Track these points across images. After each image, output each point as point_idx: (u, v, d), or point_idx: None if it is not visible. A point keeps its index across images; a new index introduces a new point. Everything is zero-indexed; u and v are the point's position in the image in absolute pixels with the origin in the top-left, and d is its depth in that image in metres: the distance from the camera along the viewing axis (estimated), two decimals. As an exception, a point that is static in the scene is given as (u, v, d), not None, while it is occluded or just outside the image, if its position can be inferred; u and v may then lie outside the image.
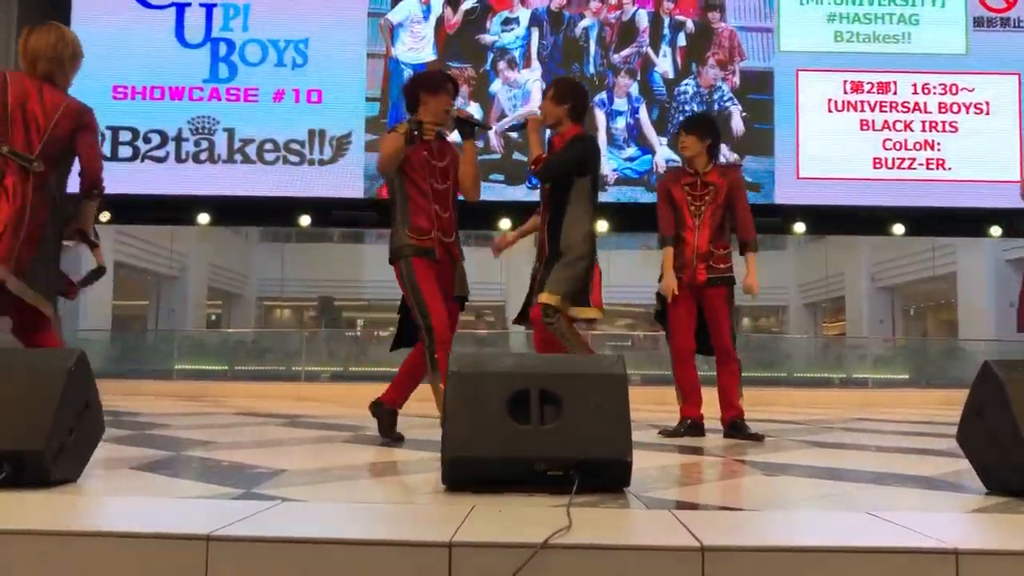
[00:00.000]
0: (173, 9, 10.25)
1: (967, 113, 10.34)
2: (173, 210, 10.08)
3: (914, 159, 10.30)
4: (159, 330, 16.42)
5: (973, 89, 10.34)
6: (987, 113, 10.34)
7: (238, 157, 9.98)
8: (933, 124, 10.34)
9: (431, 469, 2.87)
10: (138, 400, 7.38)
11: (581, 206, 4.26)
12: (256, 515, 2.05)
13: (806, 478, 3.20)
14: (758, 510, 2.42)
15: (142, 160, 9.98)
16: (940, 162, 10.31)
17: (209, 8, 10.27)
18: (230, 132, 10.00)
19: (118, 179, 9.88)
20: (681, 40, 10.42)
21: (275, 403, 5.84)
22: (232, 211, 10.32)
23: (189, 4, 10.26)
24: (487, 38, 10.39)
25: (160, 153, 10.02)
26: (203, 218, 10.16)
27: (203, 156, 10.02)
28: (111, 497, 2.53)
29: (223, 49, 10.21)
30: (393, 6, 10.39)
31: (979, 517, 2.33)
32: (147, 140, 10.00)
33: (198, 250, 17.96)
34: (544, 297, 4.12)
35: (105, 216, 10.11)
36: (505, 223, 10.48)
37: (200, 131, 10.05)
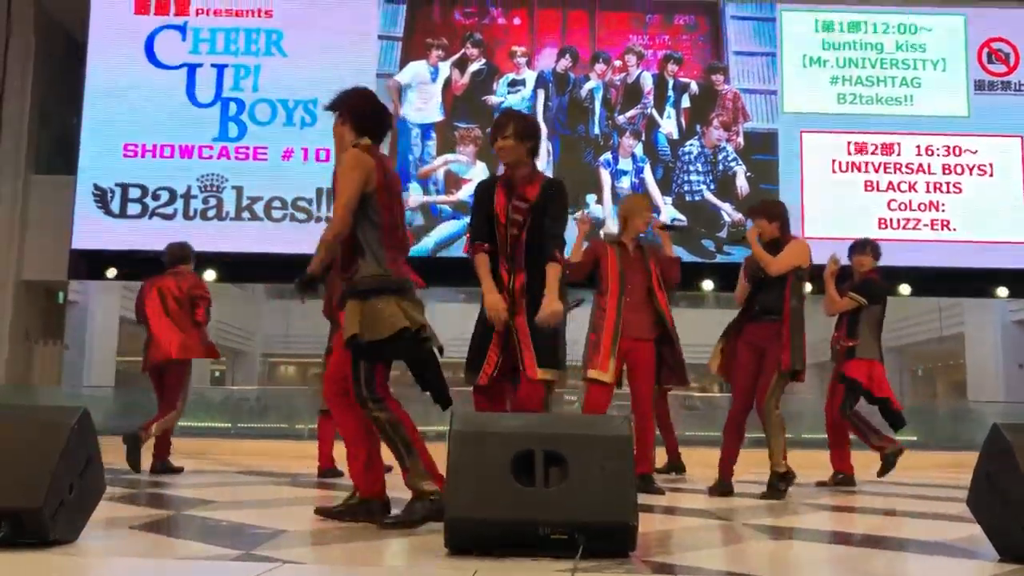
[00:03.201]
0: (185, 69, 10.44)
1: (971, 174, 10.41)
2: (180, 266, 10.11)
3: (919, 219, 10.34)
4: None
5: (976, 151, 10.42)
6: (991, 175, 10.41)
7: (246, 214, 10.06)
8: (937, 185, 10.40)
9: (434, 531, 2.83)
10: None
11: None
12: (255, 578, 2.02)
13: (815, 542, 3.14)
14: (766, 576, 2.37)
15: (151, 217, 10.06)
16: (945, 223, 10.34)
17: (220, 68, 10.45)
18: (238, 190, 10.09)
19: (126, 236, 9.99)
20: (685, 102, 10.56)
21: (277, 461, 5.79)
22: (239, 268, 10.35)
23: (201, 64, 10.45)
24: (494, 99, 10.54)
25: (169, 210, 10.10)
26: (210, 275, 10.18)
27: (211, 213, 10.09)
28: (110, 558, 2.49)
29: (233, 108, 10.36)
30: (401, 67, 10.57)
31: (993, 585, 2.28)
32: (156, 197, 10.09)
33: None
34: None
35: (112, 272, 10.17)
36: (510, 281, 10.47)
37: (209, 188, 10.15)
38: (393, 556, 2.75)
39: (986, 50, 10.62)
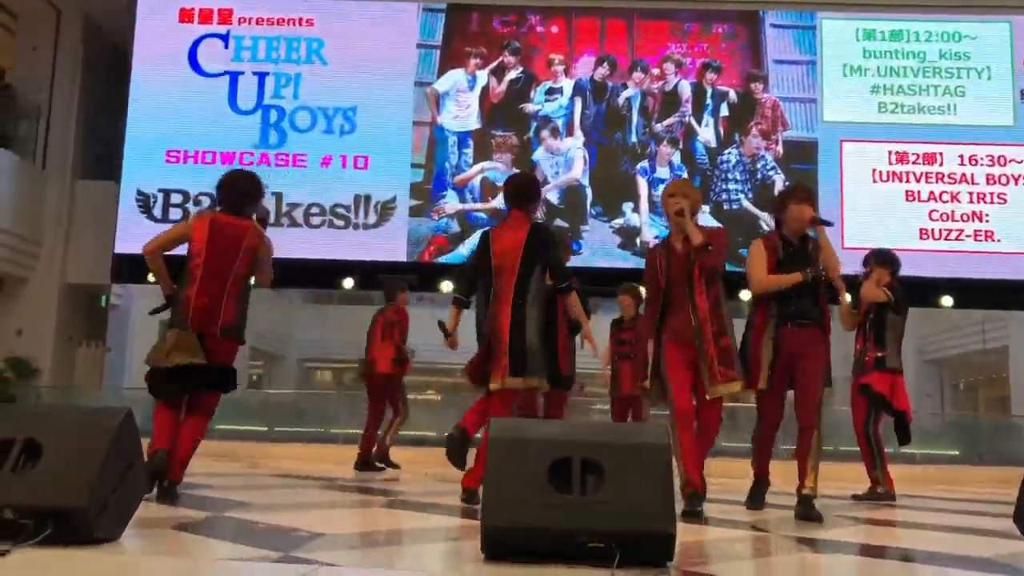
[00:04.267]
0: (227, 77, 10.60)
1: (1016, 185, 10.23)
2: (220, 271, 10.24)
3: (962, 230, 10.18)
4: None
5: (1022, 161, 10.24)
6: (1036, 185, 10.22)
7: (284, 221, 10.17)
8: (981, 195, 10.23)
9: (471, 537, 2.83)
10: (179, 459, 7.42)
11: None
12: (294, 580, 2.03)
13: (856, 556, 3.10)
14: (806, 589, 2.34)
15: (192, 222, 10.20)
16: (988, 233, 10.17)
17: (261, 76, 10.59)
18: (278, 196, 10.21)
19: (168, 240, 10.14)
20: (724, 110, 10.50)
21: (313, 465, 5.84)
22: (277, 273, 10.47)
23: (242, 72, 10.60)
24: (531, 107, 10.57)
25: (210, 215, 10.24)
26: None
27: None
28: (152, 557, 2.53)
29: (273, 116, 10.49)
30: (439, 76, 10.63)
31: (1040, 603, 2.23)
32: (197, 202, 10.24)
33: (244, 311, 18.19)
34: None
35: (153, 277, 10.32)
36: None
37: (249, 195, 10.27)
38: (430, 561, 2.76)
39: (1032, 58, 10.44)
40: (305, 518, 3.56)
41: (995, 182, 10.23)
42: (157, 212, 10.26)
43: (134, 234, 10.24)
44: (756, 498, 4.58)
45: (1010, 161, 10.23)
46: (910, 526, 4.26)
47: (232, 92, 10.57)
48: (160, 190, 10.31)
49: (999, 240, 10.11)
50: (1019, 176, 10.23)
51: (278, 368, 21.36)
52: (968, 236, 10.19)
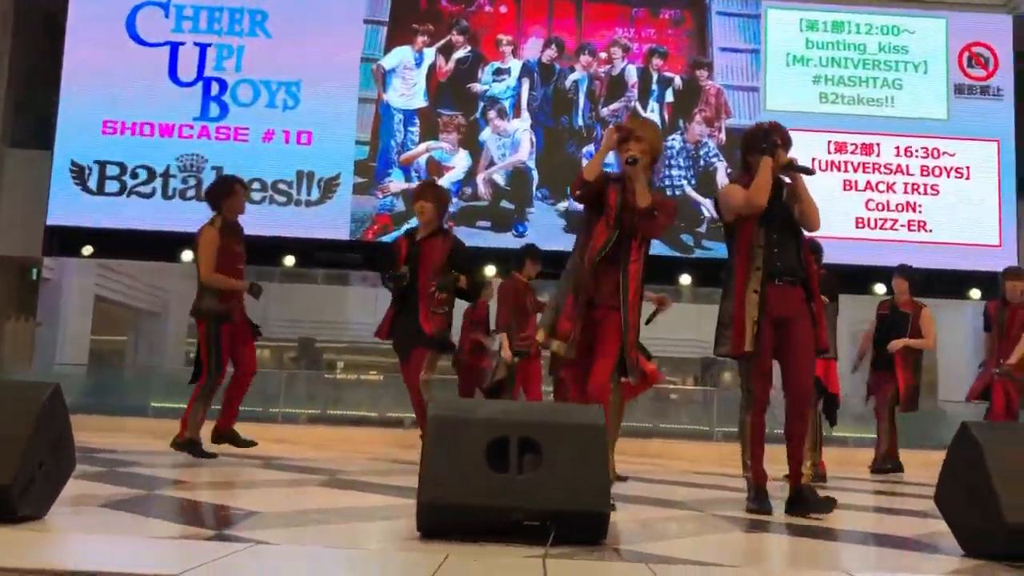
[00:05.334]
0: (167, 47, 10.34)
1: (948, 177, 10.52)
2: (158, 246, 10.03)
3: (896, 220, 10.44)
4: (138, 366, 16.25)
5: (954, 154, 10.53)
6: (967, 178, 10.53)
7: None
8: (915, 187, 10.50)
9: (407, 515, 2.84)
10: (113, 436, 7.28)
11: None
12: (227, 557, 2.02)
13: (785, 535, 3.18)
14: (735, 567, 2.39)
15: (128, 195, 9.98)
16: (921, 224, 10.45)
17: (203, 48, 10.36)
18: (218, 170, 10.01)
19: (103, 213, 9.90)
20: (669, 96, 10.59)
21: (261, 446, 5.77)
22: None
23: (183, 43, 10.35)
24: (478, 87, 10.52)
25: (147, 189, 10.02)
26: (187, 255, 10.12)
27: (190, 193, 10.02)
28: (79, 535, 2.48)
29: (215, 88, 10.28)
30: (386, 52, 10.51)
31: (956, 580, 2.32)
32: (135, 175, 10.00)
33: (181, 287, 17.84)
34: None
35: (88, 250, 10.07)
36: (490, 269, 10.50)
37: (188, 168, 10.07)
38: (366, 539, 2.75)
39: (966, 54, 10.72)
40: (241, 497, 3.52)
41: (928, 174, 10.50)
42: (92, 184, 10.00)
43: (67, 206, 9.99)
44: (760, 502, 3.65)
45: (943, 154, 10.52)
46: (840, 507, 4.38)
47: (172, 63, 10.32)
48: (96, 162, 10.03)
49: (931, 230, 10.41)
50: (951, 169, 10.52)
51: (218, 346, 21.02)
52: (902, 226, 10.46)
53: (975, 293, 10.51)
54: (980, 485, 2.57)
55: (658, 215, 3.61)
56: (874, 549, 2.82)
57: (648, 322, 5.04)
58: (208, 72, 10.30)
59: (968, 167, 10.53)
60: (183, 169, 10.07)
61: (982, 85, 10.69)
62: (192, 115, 10.20)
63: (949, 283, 10.42)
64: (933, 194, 10.48)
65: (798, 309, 3.65)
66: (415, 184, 10.24)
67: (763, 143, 3.67)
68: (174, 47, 10.36)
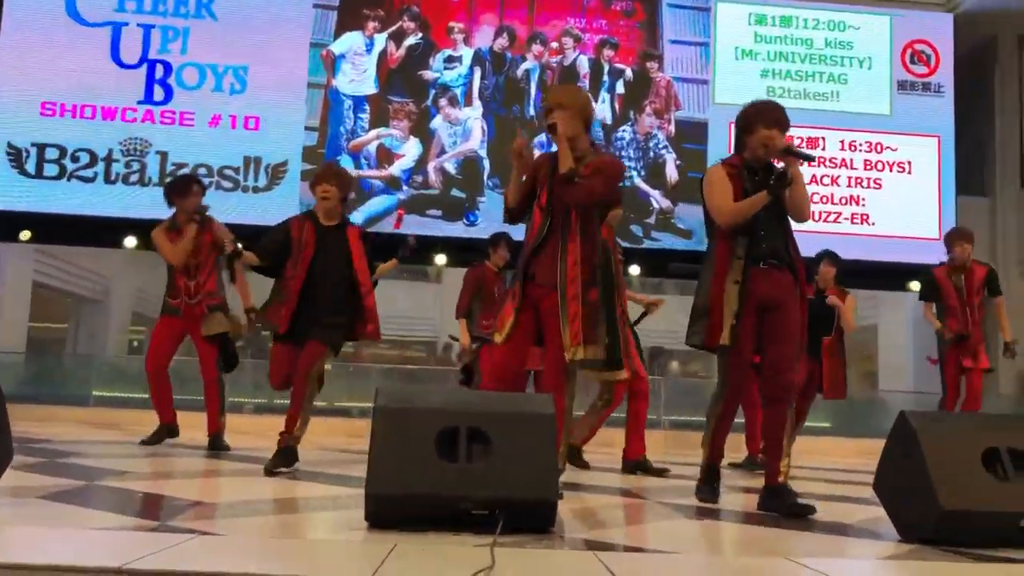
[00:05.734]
0: (109, 28, 10.09)
1: (890, 171, 10.76)
2: (99, 232, 9.82)
3: (840, 213, 10.65)
4: (78, 354, 15.91)
5: (897, 148, 10.77)
6: (909, 172, 10.78)
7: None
8: (859, 180, 10.72)
9: (354, 505, 2.83)
10: (52, 426, 7.12)
11: None
12: (171, 548, 1.99)
13: (729, 522, 3.24)
14: (680, 553, 2.43)
15: (69, 179, 9.74)
16: (864, 217, 10.68)
17: (147, 29, 10.14)
18: (163, 155, 9.83)
19: (42, 197, 9.65)
20: (620, 87, 10.64)
21: (196, 433, 5.69)
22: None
23: (126, 24, 10.12)
24: (429, 74, 10.46)
25: (88, 173, 9.78)
26: (130, 241, 9.92)
27: (133, 178, 9.82)
28: (17, 527, 2.42)
29: (159, 71, 10.06)
30: (336, 37, 10.40)
31: (893, 564, 2.38)
32: (75, 159, 9.76)
33: (123, 274, 17.51)
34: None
35: (26, 235, 9.81)
36: (441, 258, 10.48)
37: (132, 153, 9.86)
38: (312, 529, 2.74)
39: (909, 51, 10.96)
40: (185, 487, 3.47)
41: (872, 168, 10.73)
42: (30, 167, 9.73)
43: (4, 190, 9.70)
44: (711, 486, 3.58)
45: (886, 148, 10.75)
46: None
47: (115, 44, 10.08)
48: (34, 144, 9.76)
49: (873, 224, 10.64)
50: (893, 163, 10.76)
51: (161, 333, 20.66)
52: (846, 219, 10.68)
53: (915, 285, 10.75)
54: (916, 472, 2.64)
55: (587, 179, 3.41)
56: (814, 535, 2.88)
57: (635, 324, 5.16)
58: (153, 54, 10.08)
59: (910, 162, 10.79)
60: (126, 153, 9.85)
61: (924, 82, 10.94)
62: (136, 98, 9.98)
63: (890, 275, 10.68)
64: (876, 188, 10.71)
65: (784, 294, 3.39)
66: (364, 172, 10.16)
67: (759, 122, 3.51)
68: (117, 28, 10.11)
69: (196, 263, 5.49)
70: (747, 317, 3.35)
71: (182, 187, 5.64)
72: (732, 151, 3.68)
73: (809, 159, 3.51)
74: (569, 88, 4.04)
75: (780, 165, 3.48)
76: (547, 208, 3.54)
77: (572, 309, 3.40)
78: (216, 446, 5.40)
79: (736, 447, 6.07)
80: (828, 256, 6.45)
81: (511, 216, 3.71)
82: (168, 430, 5.46)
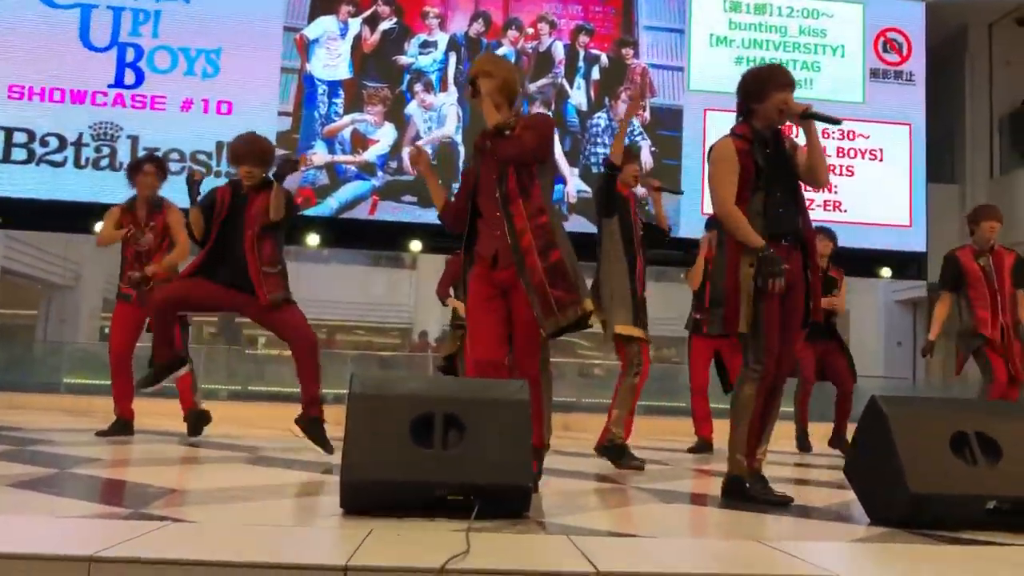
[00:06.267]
0: (78, 10, 9.93)
1: (862, 159, 10.85)
2: (70, 217, 9.68)
3: (812, 200, 10.72)
4: (48, 341, 15.73)
5: (869, 136, 10.86)
6: (880, 160, 10.87)
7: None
8: (831, 168, 10.78)
9: (330, 492, 2.82)
10: (22, 414, 7.04)
11: None
12: (143, 536, 1.98)
13: (702, 506, 3.27)
14: (653, 537, 2.45)
15: (38, 164, 9.59)
16: (837, 204, 10.76)
17: (117, 11, 9.98)
18: (134, 139, 9.71)
19: (10, 182, 9.50)
20: (595, 74, 10.64)
21: (170, 421, 5.65)
22: (132, 221, 10.01)
23: (96, 6, 9.96)
24: (404, 59, 10.39)
25: (58, 157, 9.64)
26: (100, 227, 9.80)
27: (104, 163, 9.69)
28: (-14, 516, 2.39)
29: (130, 54, 9.92)
30: (310, 21, 10.30)
31: (862, 547, 2.42)
32: (44, 143, 9.62)
33: (94, 259, 17.32)
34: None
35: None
36: (416, 244, 10.45)
37: (102, 137, 9.72)
38: (287, 516, 2.73)
39: (882, 39, 11.04)
40: (158, 475, 3.45)
41: (844, 155, 10.81)
42: (-2, 152, 9.58)
43: (-29, 174, 9.55)
44: (762, 484, 3.26)
45: (858, 136, 10.83)
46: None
47: (84, 27, 9.92)
48: (2, 128, 9.60)
49: (846, 211, 10.73)
50: (866, 151, 10.86)
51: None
52: (818, 206, 10.75)
53: (886, 272, 10.90)
54: (887, 456, 2.68)
55: (517, 133, 3.27)
56: (786, 518, 2.92)
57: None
58: (123, 37, 9.93)
59: (881, 149, 10.88)
60: (97, 138, 9.71)
61: (896, 70, 11.03)
62: (106, 82, 9.83)
63: (862, 262, 10.77)
64: (848, 175, 10.80)
65: (795, 277, 3.24)
66: (338, 157, 10.09)
67: (771, 86, 3.34)
68: (85, 10, 9.95)
69: (147, 249, 5.32)
70: (772, 301, 3.17)
71: (134, 166, 5.56)
72: (737, 122, 3.50)
73: (834, 122, 3.39)
74: (497, 59, 3.86)
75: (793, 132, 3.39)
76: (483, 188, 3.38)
77: (535, 279, 3.19)
78: (196, 425, 5.31)
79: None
80: (823, 232, 6.26)
81: (450, 224, 3.61)
82: (124, 425, 5.23)
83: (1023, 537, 2.55)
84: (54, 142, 9.64)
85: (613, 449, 4.43)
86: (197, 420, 5.33)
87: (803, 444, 6.54)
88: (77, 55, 9.83)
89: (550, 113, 10.49)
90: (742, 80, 3.49)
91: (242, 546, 2.03)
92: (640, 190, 4.45)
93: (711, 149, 3.43)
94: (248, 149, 4.59)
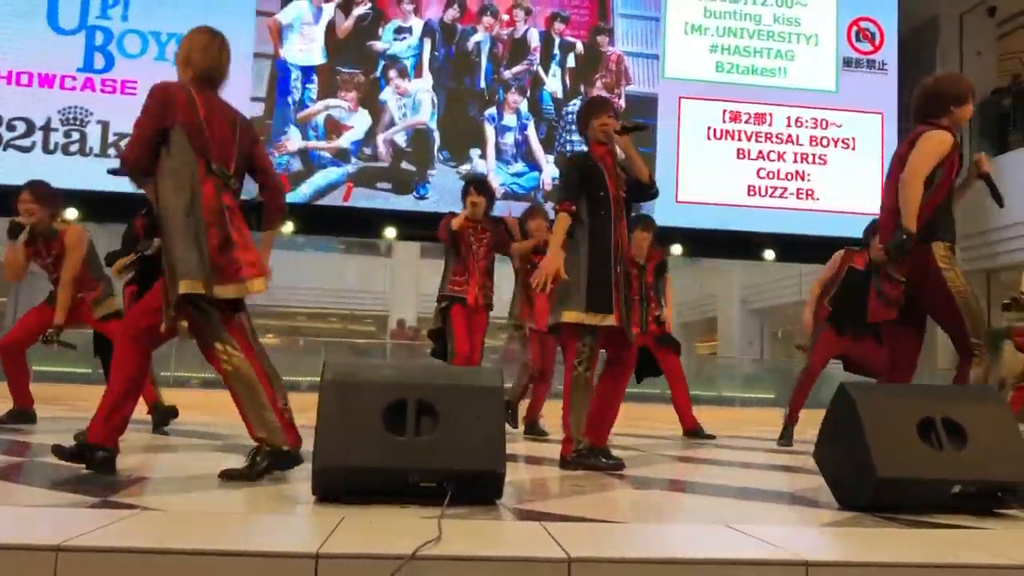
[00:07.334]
0: (46, -8, 9.77)
1: (835, 147, 10.93)
2: (38, 203, 9.54)
3: (786, 188, 10.80)
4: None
5: (841, 125, 10.94)
6: (853, 148, 10.96)
7: (112, 151, 9.57)
8: (804, 156, 10.87)
9: (301, 479, 2.81)
10: (-10, 402, 6.94)
11: None
12: (111, 525, 1.96)
13: (673, 492, 3.30)
14: (625, 523, 2.47)
15: (5, 148, 9.45)
16: (809, 192, 10.84)
17: (86, -6, 9.84)
18: (104, 125, 9.59)
19: (-24, 167, 9.35)
20: (571, 61, 10.63)
21: (141, 408, 5.60)
22: (103, 207, 9.84)
23: (64, -12, 9.81)
24: (379, 45, 10.33)
25: (26, 143, 9.50)
26: (71, 213, 9.66)
27: (73, 148, 9.56)
28: (-48, 505, 2.37)
29: (99, 38, 9.78)
30: (283, 6, 10.20)
31: (829, 531, 2.45)
32: (11, 128, 9.47)
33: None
34: None
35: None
36: (391, 231, 10.41)
37: (71, 122, 9.59)
38: (259, 503, 2.72)
39: (854, 28, 11.11)
40: (128, 462, 3.42)
41: (817, 144, 10.89)
42: (-36, 136, 9.42)
43: (-64, 159, 9.39)
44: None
45: (831, 124, 10.91)
46: (725, 464, 4.56)
47: (52, 9, 9.76)
48: (-33, 112, 9.45)
49: (818, 199, 10.82)
50: (838, 139, 10.94)
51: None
52: (791, 194, 10.83)
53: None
54: (855, 441, 2.71)
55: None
56: (755, 503, 2.95)
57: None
58: (92, 20, 9.79)
59: (854, 138, 10.97)
60: (65, 123, 9.58)
61: (869, 59, 11.11)
62: (75, 66, 9.70)
63: (833, 249, 10.86)
64: (821, 164, 10.88)
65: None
66: (312, 143, 10.02)
67: (592, 114, 3.88)
68: (54, -8, 9.79)
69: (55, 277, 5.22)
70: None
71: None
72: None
73: (642, 128, 3.99)
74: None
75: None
76: None
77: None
78: (164, 419, 5.23)
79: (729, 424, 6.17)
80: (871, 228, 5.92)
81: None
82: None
83: (988, 520, 2.60)
84: (21, 127, 9.49)
85: (583, 456, 4.09)
86: (165, 415, 5.25)
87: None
88: (44, 38, 9.68)
89: (526, 100, 10.47)
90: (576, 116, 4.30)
91: (212, 534, 2.02)
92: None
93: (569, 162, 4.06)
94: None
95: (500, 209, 6.65)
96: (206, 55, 3.31)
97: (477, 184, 5.72)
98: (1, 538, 1.76)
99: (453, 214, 5.57)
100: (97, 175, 9.81)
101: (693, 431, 6.14)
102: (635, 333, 4.02)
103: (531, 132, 10.46)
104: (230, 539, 1.95)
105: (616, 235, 3.79)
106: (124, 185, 8.49)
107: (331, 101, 10.17)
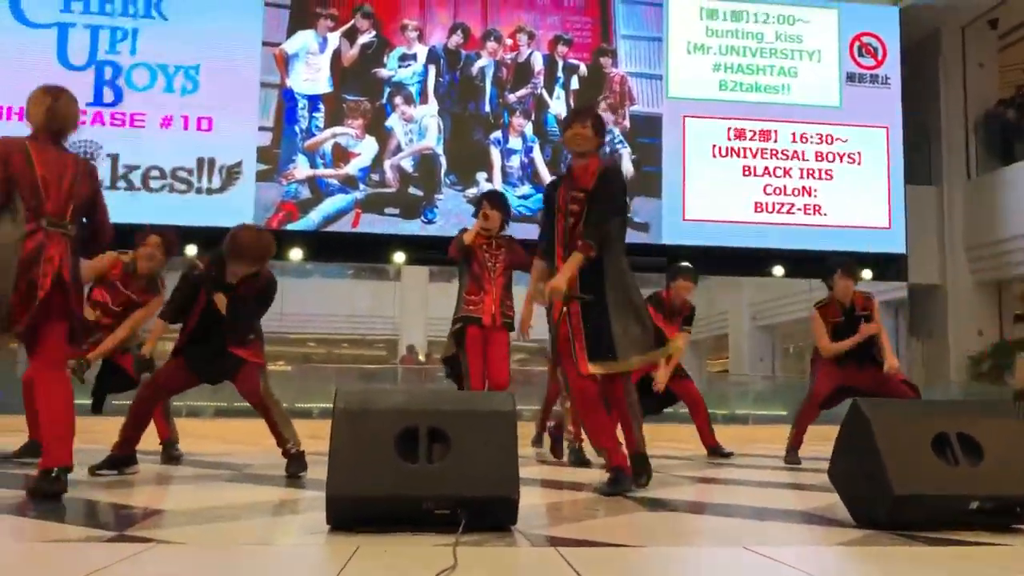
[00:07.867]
0: (55, 29, 9.90)
1: (841, 162, 10.94)
2: (49, 237, 9.63)
3: (792, 204, 10.80)
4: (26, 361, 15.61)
5: (847, 140, 10.95)
6: (859, 163, 10.97)
7: (121, 184, 9.65)
8: (810, 172, 10.88)
9: (316, 508, 2.81)
10: (7, 436, 6.97)
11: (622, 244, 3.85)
12: (127, 559, 1.97)
13: (688, 513, 3.28)
14: (640, 546, 2.46)
15: (17, 184, 9.53)
16: (816, 208, 10.84)
17: (95, 30, 9.96)
18: (114, 158, 9.68)
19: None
20: (575, 83, 10.69)
21: (154, 439, 5.61)
22: (114, 239, 9.95)
23: (73, 25, 9.94)
24: (384, 72, 10.41)
25: (37, 177, 9.58)
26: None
27: (84, 181, 9.64)
28: (-31, 542, 2.37)
29: (108, 72, 9.90)
30: (289, 36, 10.30)
31: (845, 550, 2.43)
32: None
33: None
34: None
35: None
36: (399, 256, 10.44)
37: (82, 155, 9.67)
38: (273, 534, 2.72)
39: (857, 44, 11.15)
40: (142, 495, 3.43)
41: (823, 159, 10.90)
42: (-24, 172, 9.51)
43: (-50, 195, 9.48)
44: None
45: (836, 139, 10.93)
46: (740, 483, 4.53)
47: (62, 46, 9.89)
48: (-21, 148, 9.56)
49: (825, 214, 10.81)
50: (844, 154, 10.95)
51: (116, 339, 20.35)
52: (798, 210, 10.83)
53: (866, 274, 10.97)
54: (869, 458, 2.70)
55: None
56: (772, 523, 2.93)
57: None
58: (101, 56, 9.91)
59: (859, 152, 10.98)
60: (75, 156, 9.66)
61: (872, 74, 11.14)
62: (85, 100, 9.79)
63: (843, 265, 10.84)
64: (827, 179, 10.89)
65: None
66: (320, 171, 10.09)
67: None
68: (63, 29, 9.92)
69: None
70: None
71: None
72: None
73: (583, 299, 3.66)
74: None
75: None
76: None
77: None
78: (172, 458, 5.24)
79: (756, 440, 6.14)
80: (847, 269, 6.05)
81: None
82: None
83: (1007, 536, 2.58)
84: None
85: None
86: (172, 456, 5.25)
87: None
88: (55, 74, 9.77)
89: (531, 123, 10.53)
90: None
91: (230, 566, 2.03)
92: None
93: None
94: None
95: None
96: (37, 111, 3.62)
97: (491, 198, 5.36)
98: (18, 575, 1.76)
99: (465, 230, 5.41)
100: (109, 208, 9.90)
101: (713, 448, 6.14)
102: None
103: (536, 154, 10.51)
104: (248, 571, 1.96)
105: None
106: (135, 217, 8.63)
107: (338, 129, 10.25)
